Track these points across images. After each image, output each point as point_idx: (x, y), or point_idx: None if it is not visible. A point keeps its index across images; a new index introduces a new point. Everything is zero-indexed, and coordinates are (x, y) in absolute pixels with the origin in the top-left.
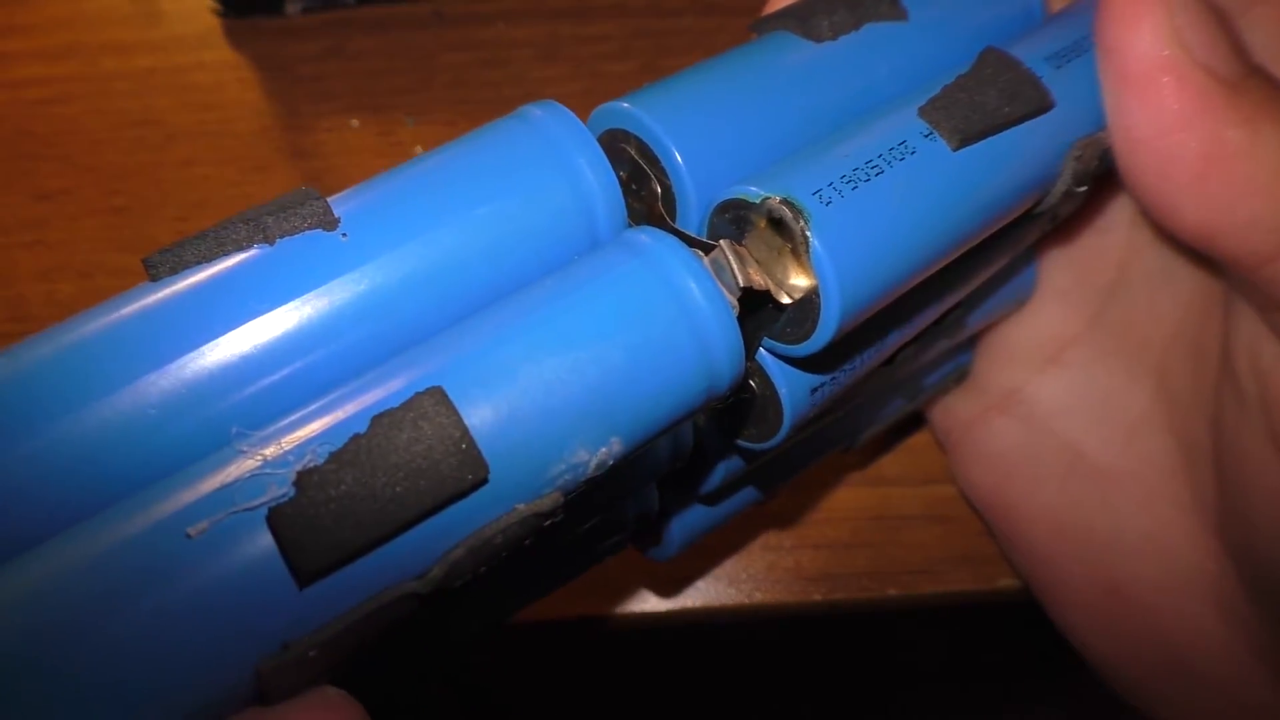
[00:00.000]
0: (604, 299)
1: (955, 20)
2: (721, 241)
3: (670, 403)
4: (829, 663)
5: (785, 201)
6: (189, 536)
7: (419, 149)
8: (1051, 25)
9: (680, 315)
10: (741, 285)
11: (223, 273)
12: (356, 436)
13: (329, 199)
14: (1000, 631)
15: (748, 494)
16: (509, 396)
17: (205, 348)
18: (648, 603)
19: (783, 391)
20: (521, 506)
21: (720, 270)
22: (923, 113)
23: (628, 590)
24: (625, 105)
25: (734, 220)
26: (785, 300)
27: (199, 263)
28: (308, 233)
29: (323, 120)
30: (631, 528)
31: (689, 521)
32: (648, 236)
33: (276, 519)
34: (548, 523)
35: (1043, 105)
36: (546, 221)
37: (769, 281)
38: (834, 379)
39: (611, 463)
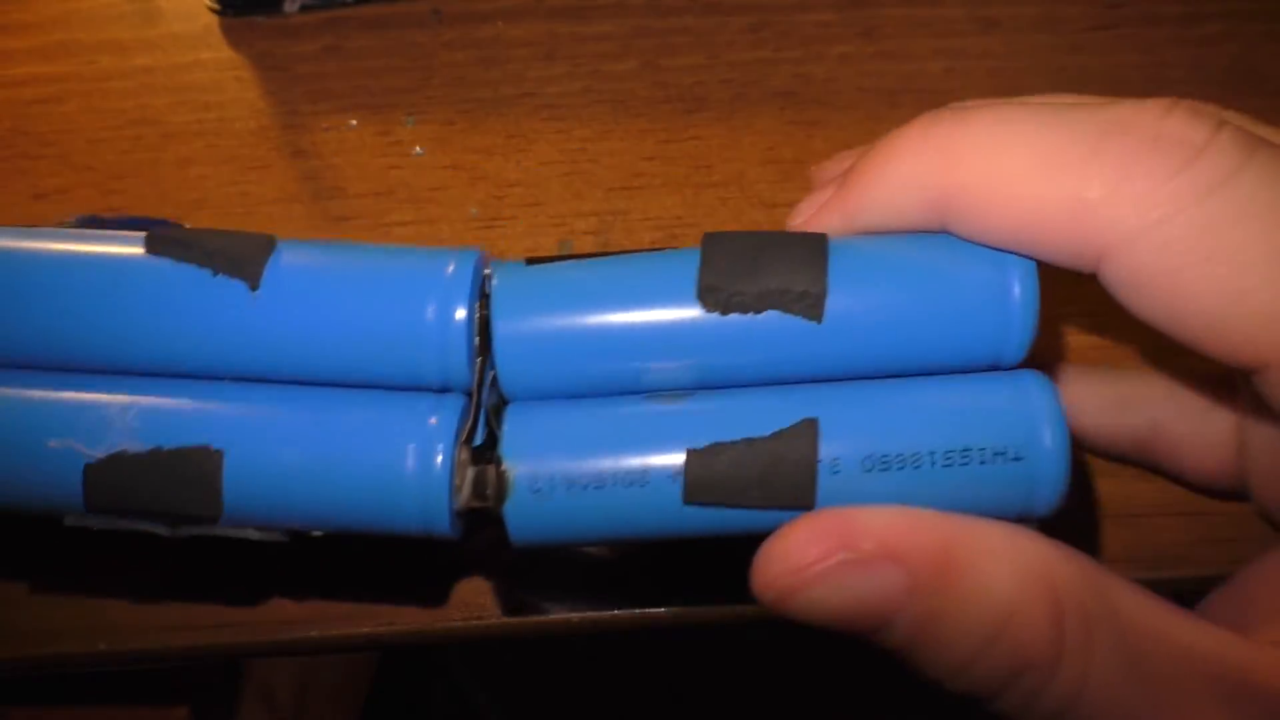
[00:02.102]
0: (363, 453)
1: (878, 343)
2: (471, 467)
3: (384, 527)
4: (829, 662)
5: (505, 475)
6: (48, 445)
7: (418, 149)
8: (919, 415)
9: (406, 494)
10: (463, 503)
11: (171, 269)
12: (154, 449)
13: (284, 244)
14: None
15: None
16: (265, 478)
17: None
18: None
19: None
20: (252, 529)
21: (464, 478)
22: (690, 454)
23: (627, 591)
24: (496, 286)
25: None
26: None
27: (173, 258)
28: (236, 278)
29: (321, 119)
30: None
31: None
32: (436, 417)
33: (86, 470)
34: (273, 540)
35: (798, 506)
36: (401, 347)
37: (497, 504)
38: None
39: (323, 533)
